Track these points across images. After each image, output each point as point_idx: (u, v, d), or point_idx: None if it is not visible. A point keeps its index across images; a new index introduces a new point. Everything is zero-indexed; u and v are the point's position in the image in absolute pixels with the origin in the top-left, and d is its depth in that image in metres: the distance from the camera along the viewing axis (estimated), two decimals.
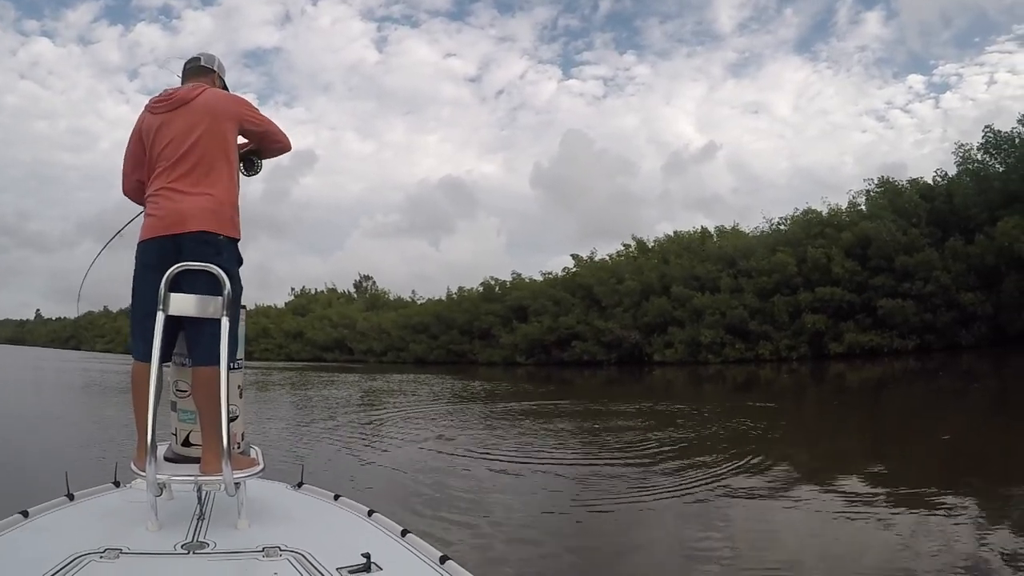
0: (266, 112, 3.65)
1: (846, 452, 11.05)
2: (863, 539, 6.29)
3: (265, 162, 3.86)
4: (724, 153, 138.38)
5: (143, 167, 3.37)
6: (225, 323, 3.00)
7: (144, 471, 2.85)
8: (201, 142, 3.28)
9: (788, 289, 34.66)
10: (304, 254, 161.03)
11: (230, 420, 2.93)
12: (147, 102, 3.45)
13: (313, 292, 79.39)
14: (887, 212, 33.70)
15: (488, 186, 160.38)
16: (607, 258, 46.76)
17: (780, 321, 34.25)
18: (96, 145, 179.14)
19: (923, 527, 6.45)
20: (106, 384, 27.83)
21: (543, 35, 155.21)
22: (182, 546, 2.67)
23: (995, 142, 32.88)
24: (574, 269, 46.72)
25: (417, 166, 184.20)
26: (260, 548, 2.61)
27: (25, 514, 2.97)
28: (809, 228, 36.33)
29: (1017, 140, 31.93)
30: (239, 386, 3.35)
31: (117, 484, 3.62)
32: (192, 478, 3.02)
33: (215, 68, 3.67)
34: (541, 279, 48.59)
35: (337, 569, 2.41)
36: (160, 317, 2.95)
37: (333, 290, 79.08)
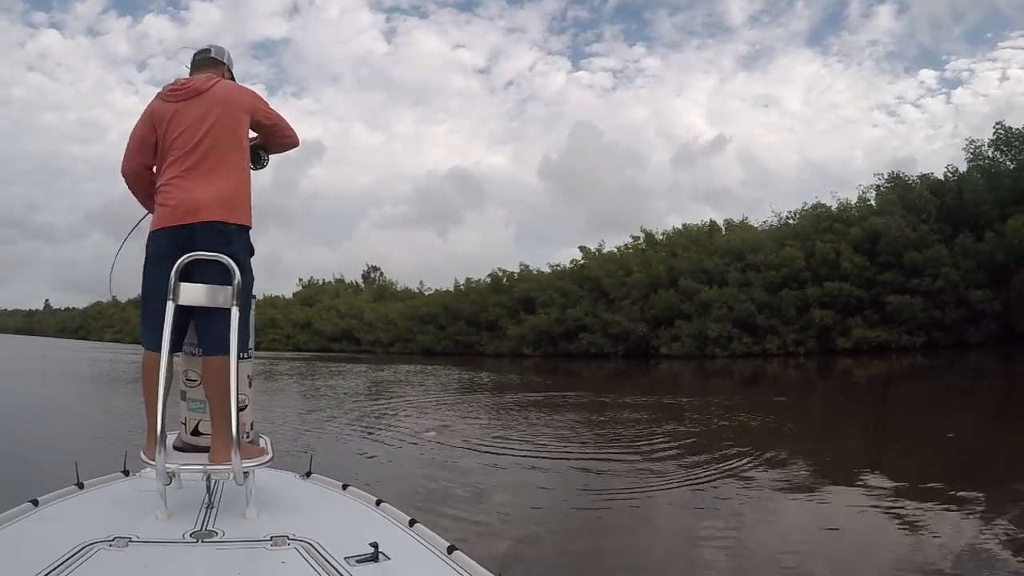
0: (275, 103, 3.67)
1: (852, 448, 11.04)
2: (868, 536, 6.29)
3: (272, 156, 3.88)
4: (734, 146, 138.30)
5: (149, 152, 3.37)
6: (235, 313, 3.02)
7: (154, 460, 2.87)
8: (214, 132, 3.29)
9: (796, 283, 34.60)
10: (312, 245, 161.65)
11: (239, 409, 2.95)
12: (160, 90, 3.45)
13: (321, 283, 79.52)
14: (897, 207, 33.62)
15: (496, 177, 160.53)
16: (615, 250, 46.64)
17: (788, 316, 34.18)
18: (105, 137, 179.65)
19: (929, 524, 6.43)
20: (115, 374, 27.94)
21: (552, 26, 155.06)
22: (191, 535, 2.68)
23: (1006, 139, 32.78)
24: (582, 261, 46.61)
25: (426, 157, 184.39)
26: (268, 537, 2.62)
27: (35, 503, 2.99)
28: (818, 222, 36.26)
29: None
30: (249, 376, 3.36)
31: (126, 473, 3.64)
32: (201, 467, 3.04)
33: (225, 60, 3.69)
34: (549, 271, 48.54)
35: (345, 558, 2.42)
36: (170, 307, 2.96)
37: (341, 281, 79.22)
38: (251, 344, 3.37)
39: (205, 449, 3.16)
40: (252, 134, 3.58)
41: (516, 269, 50.91)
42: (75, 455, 4.03)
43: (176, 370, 3.22)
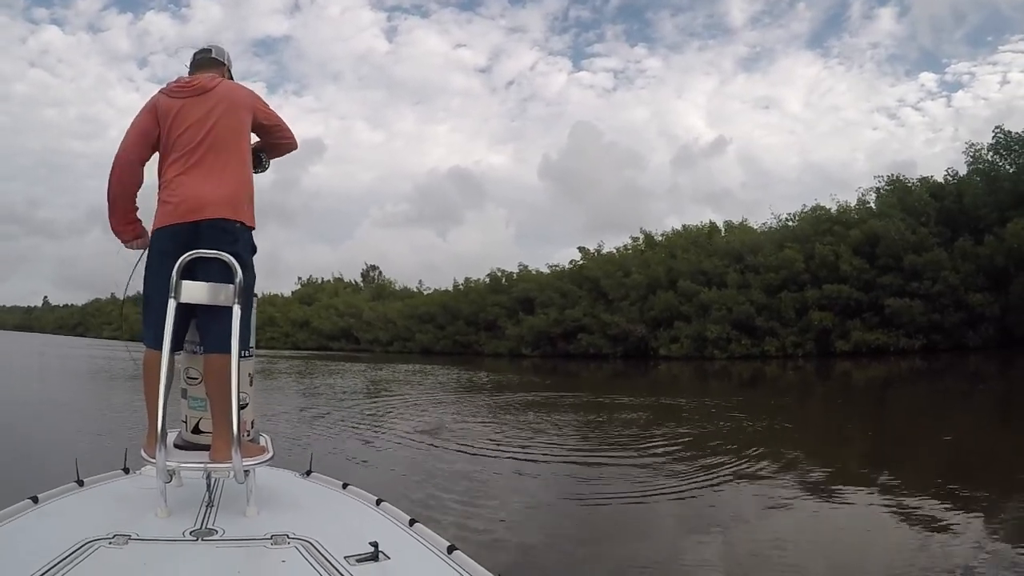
0: (276, 101, 3.69)
1: (851, 451, 11.04)
2: (866, 537, 6.30)
3: (272, 159, 3.90)
4: (734, 148, 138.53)
5: (149, 146, 3.36)
6: (237, 311, 3.03)
7: (154, 458, 2.87)
8: (219, 129, 3.31)
9: (795, 286, 34.60)
10: (313, 243, 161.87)
11: (240, 408, 2.95)
12: (163, 87, 3.45)
13: (320, 281, 79.58)
14: (896, 210, 33.62)
15: (497, 177, 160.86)
16: (614, 251, 46.68)
17: (787, 318, 34.19)
18: (106, 133, 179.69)
19: (926, 528, 6.44)
20: (113, 371, 27.93)
21: (554, 26, 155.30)
22: (191, 532, 2.69)
23: (1005, 143, 32.76)
24: (581, 262, 46.65)
25: (426, 156, 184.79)
26: (268, 535, 2.63)
27: (35, 500, 3.00)
28: (818, 225, 36.27)
29: None
30: (250, 374, 3.37)
31: (127, 471, 3.65)
32: (202, 465, 3.05)
33: (225, 61, 3.71)
34: (548, 271, 48.60)
35: (345, 557, 2.43)
36: (172, 304, 2.97)
37: (340, 279, 79.30)
38: (252, 342, 3.38)
39: (206, 447, 3.17)
40: (253, 138, 3.59)
41: (515, 269, 51.06)
42: (75, 452, 4.04)
43: (177, 368, 3.22)
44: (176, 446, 3.24)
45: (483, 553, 3.28)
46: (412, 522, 2.92)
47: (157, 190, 3.33)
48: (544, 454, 10.17)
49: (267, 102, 3.64)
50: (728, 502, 7.58)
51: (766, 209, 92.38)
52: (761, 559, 5.74)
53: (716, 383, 25.24)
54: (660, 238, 45.34)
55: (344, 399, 18.43)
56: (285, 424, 13.10)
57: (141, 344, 3.23)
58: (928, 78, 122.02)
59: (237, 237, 3.23)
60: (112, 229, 3.46)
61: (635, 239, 46.41)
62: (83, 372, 29.74)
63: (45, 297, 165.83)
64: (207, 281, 3.06)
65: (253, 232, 3.39)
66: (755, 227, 42.26)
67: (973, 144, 34.15)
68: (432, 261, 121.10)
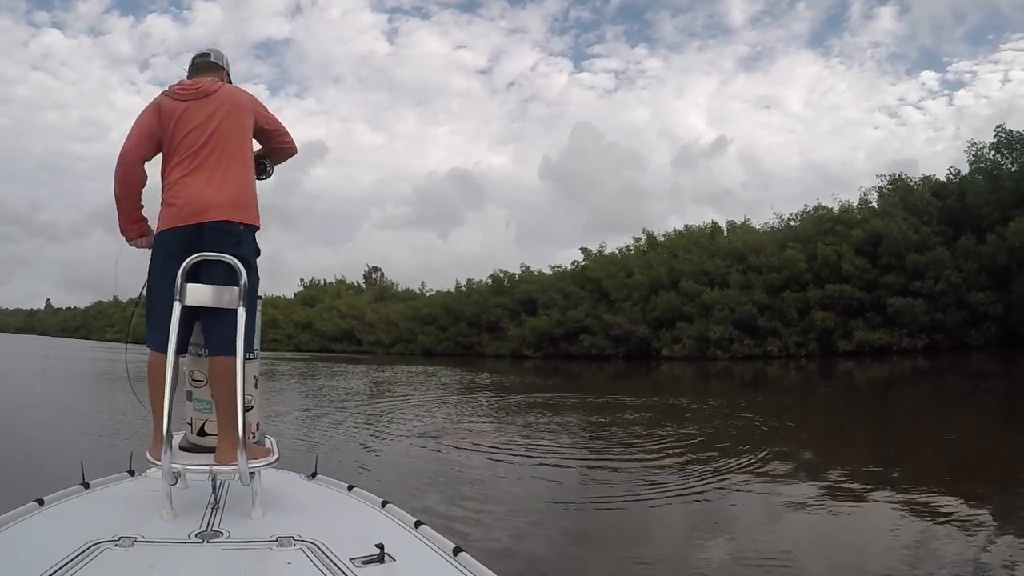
0: (277, 103, 3.73)
1: (853, 451, 11.03)
2: (868, 538, 6.29)
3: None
4: (735, 147, 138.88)
5: (153, 146, 3.36)
6: (242, 313, 3.03)
7: (159, 460, 2.88)
8: (222, 131, 3.32)
9: (798, 285, 34.55)
10: (314, 245, 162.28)
11: (246, 410, 2.96)
12: (165, 89, 3.46)
13: (322, 283, 79.67)
14: (898, 209, 33.58)
15: (497, 178, 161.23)
16: (616, 252, 46.66)
17: (789, 318, 34.14)
18: (107, 136, 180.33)
19: (928, 527, 6.45)
20: (116, 374, 27.90)
21: (554, 27, 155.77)
22: (196, 535, 2.70)
23: (1007, 142, 32.74)
24: (583, 262, 46.63)
25: (427, 158, 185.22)
26: (274, 538, 2.63)
27: (41, 502, 3.00)
28: (820, 224, 36.23)
29: None
30: (255, 376, 3.37)
31: (132, 473, 3.66)
32: (207, 467, 3.05)
33: (224, 65, 3.71)
34: (550, 272, 48.56)
35: (351, 559, 2.43)
36: (177, 307, 2.97)
37: (342, 281, 79.35)
38: (257, 344, 3.38)
39: (211, 449, 3.17)
40: (254, 143, 3.60)
41: (517, 270, 50.99)
42: (80, 455, 4.04)
43: (182, 370, 3.23)
44: (181, 448, 3.25)
45: (488, 555, 3.29)
46: (418, 524, 2.92)
47: (160, 193, 3.34)
48: (548, 455, 10.16)
49: (268, 105, 3.66)
50: (732, 503, 7.57)
51: (767, 209, 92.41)
52: (765, 559, 5.73)
53: (718, 383, 25.22)
54: (662, 238, 45.36)
55: (348, 401, 18.42)
56: (290, 426, 13.10)
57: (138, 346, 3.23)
58: (929, 77, 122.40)
59: (241, 239, 3.25)
60: (120, 228, 3.47)
61: (637, 239, 46.45)
62: (87, 374, 29.74)
63: (48, 299, 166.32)
64: (211, 283, 3.07)
65: (256, 234, 3.40)
66: (757, 227, 42.34)
67: (975, 143, 34.19)
68: (433, 263, 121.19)
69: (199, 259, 3.02)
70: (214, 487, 3.14)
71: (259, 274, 3.37)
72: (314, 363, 39.17)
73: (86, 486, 3.35)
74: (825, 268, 33.85)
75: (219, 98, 3.39)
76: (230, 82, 3.73)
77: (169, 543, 2.61)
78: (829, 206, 37.95)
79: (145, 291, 3.34)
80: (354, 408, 16.50)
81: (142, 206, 3.45)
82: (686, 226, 45.83)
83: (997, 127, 33.13)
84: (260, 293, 3.42)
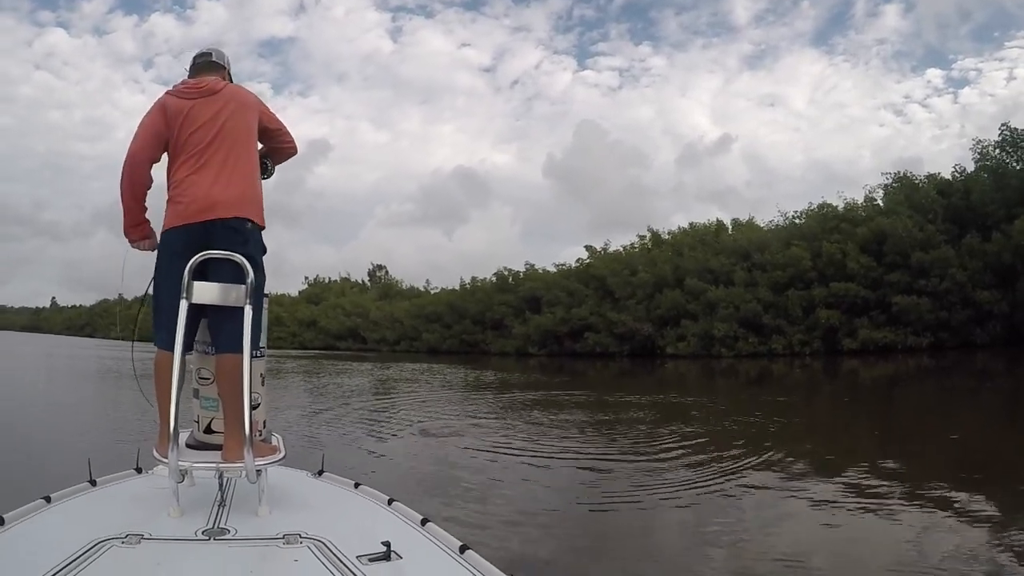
0: (281, 101, 3.76)
1: (858, 449, 11.00)
2: (873, 537, 6.28)
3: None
4: (739, 145, 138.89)
5: (160, 146, 3.36)
6: (248, 311, 3.04)
7: (166, 458, 2.89)
8: (229, 130, 3.33)
9: (802, 284, 34.54)
10: (318, 243, 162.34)
11: (252, 408, 2.97)
12: (170, 88, 3.47)
13: (327, 281, 79.67)
14: (904, 207, 33.52)
15: (501, 176, 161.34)
16: (621, 250, 46.67)
17: (794, 316, 34.12)
18: (111, 135, 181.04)
19: (933, 526, 6.42)
20: (122, 372, 27.95)
21: (558, 25, 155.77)
22: (203, 532, 2.70)
23: (1012, 140, 32.69)
24: (588, 260, 46.63)
25: (431, 156, 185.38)
26: (280, 535, 2.64)
27: (48, 499, 3.01)
28: (824, 222, 36.18)
29: None
30: (261, 374, 3.38)
31: (139, 470, 3.66)
32: (214, 465, 3.05)
33: (225, 64, 3.72)
34: (554, 270, 48.59)
35: (357, 557, 2.44)
36: (183, 305, 2.98)
37: (347, 279, 79.33)
38: (263, 342, 3.39)
39: (218, 447, 3.18)
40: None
41: (521, 268, 51.07)
42: (87, 452, 4.05)
43: (189, 368, 3.23)
44: (188, 446, 3.26)
45: (494, 553, 3.29)
46: (424, 521, 2.92)
47: (166, 191, 3.34)
48: (553, 453, 10.16)
49: (272, 103, 3.67)
50: (737, 501, 7.55)
51: (771, 207, 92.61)
52: (769, 557, 5.73)
53: (723, 381, 25.21)
54: (667, 236, 45.38)
55: (353, 398, 18.45)
56: (296, 423, 13.11)
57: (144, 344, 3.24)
58: (934, 74, 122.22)
59: (248, 237, 3.25)
60: (124, 230, 3.46)
61: (642, 237, 46.52)
62: (93, 373, 29.79)
63: (53, 298, 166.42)
64: (218, 281, 3.08)
65: (263, 232, 3.41)
66: (762, 225, 42.38)
67: (980, 141, 34.18)
68: (438, 260, 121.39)
69: (206, 257, 3.02)
70: (221, 484, 3.14)
71: (265, 272, 3.38)
72: (319, 361, 39.23)
73: (93, 483, 3.36)
74: (830, 266, 33.81)
75: (225, 96, 3.40)
76: (231, 81, 3.73)
77: (176, 540, 2.61)
78: (834, 204, 37.97)
79: (151, 289, 3.35)
80: (359, 406, 16.52)
81: (146, 208, 3.46)
82: (691, 224, 45.94)
83: (1002, 125, 33.19)
84: (266, 291, 3.42)
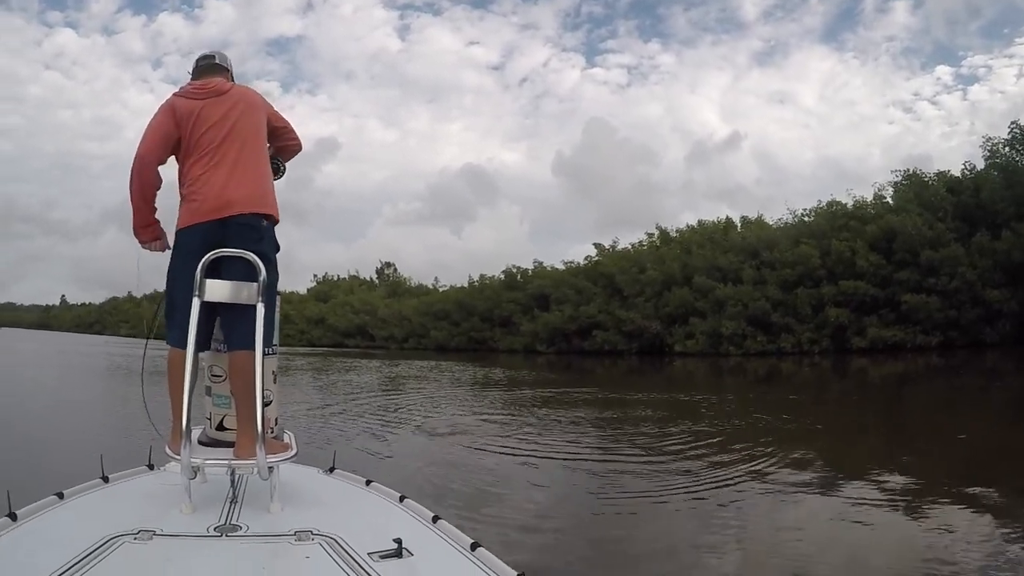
0: (289, 100, 3.79)
1: (866, 449, 11.00)
2: (878, 535, 6.27)
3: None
4: (748, 143, 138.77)
5: (170, 148, 3.38)
6: (260, 309, 3.05)
7: (179, 454, 2.90)
8: (240, 128, 3.36)
9: (811, 282, 34.38)
10: (327, 241, 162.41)
11: (264, 405, 2.98)
12: (177, 89, 3.50)
13: (335, 279, 79.71)
14: (913, 205, 33.32)
15: (510, 174, 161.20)
16: (629, 247, 46.57)
17: (803, 314, 33.99)
18: (120, 134, 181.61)
19: (939, 526, 6.40)
20: (132, 369, 28.03)
21: (566, 23, 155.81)
22: (215, 528, 2.71)
23: (1022, 138, 32.54)
24: (596, 258, 46.51)
25: (440, 154, 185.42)
26: (292, 532, 2.65)
27: (60, 495, 3.03)
28: (834, 220, 36.00)
29: None
30: (273, 372, 3.40)
31: (151, 467, 3.68)
32: (226, 462, 3.07)
33: (228, 67, 3.75)
34: (563, 268, 48.54)
35: (369, 554, 2.44)
36: (196, 303, 2.99)
37: (355, 277, 79.34)
38: (276, 340, 3.40)
39: (230, 444, 3.19)
40: None
41: (530, 266, 51.05)
42: (98, 449, 4.07)
43: (201, 366, 3.25)
44: (200, 443, 3.27)
45: (505, 550, 3.29)
46: (435, 519, 2.93)
47: (179, 191, 3.36)
48: (563, 451, 10.16)
49: (280, 102, 3.70)
50: (746, 500, 7.54)
51: (781, 205, 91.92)
52: (777, 557, 5.73)
53: (732, 380, 25.16)
54: (675, 234, 45.25)
55: (363, 396, 18.48)
56: (306, 420, 13.14)
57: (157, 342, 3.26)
58: (944, 71, 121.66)
59: (263, 235, 3.29)
60: (133, 231, 3.48)
61: (650, 235, 46.32)
62: (104, 370, 29.87)
63: (63, 295, 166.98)
64: (232, 279, 3.10)
65: (276, 228, 3.44)
66: (771, 223, 42.09)
67: (990, 138, 33.97)
68: (446, 259, 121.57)
69: (218, 255, 3.04)
70: (233, 481, 3.16)
71: (278, 270, 3.40)
72: (328, 358, 39.25)
73: (106, 480, 3.38)
74: (839, 264, 33.67)
75: (234, 97, 3.44)
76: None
77: (188, 537, 2.62)
78: (843, 202, 37.74)
79: (139, 286, 3.37)
80: (369, 403, 16.55)
81: (156, 209, 3.48)
82: (699, 222, 45.68)
83: (1012, 123, 33.00)
84: (278, 288, 3.44)
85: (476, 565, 2.48)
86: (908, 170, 36.76)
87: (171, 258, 3.35)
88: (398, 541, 2.49)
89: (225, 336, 3.28)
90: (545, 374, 27.75)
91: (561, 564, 5.67)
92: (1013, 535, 6.01)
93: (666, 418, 13.57)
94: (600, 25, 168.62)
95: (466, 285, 55.73)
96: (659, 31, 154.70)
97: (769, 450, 9.77)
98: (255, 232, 3.24)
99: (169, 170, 3.41)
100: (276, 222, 3.43)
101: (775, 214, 45.61)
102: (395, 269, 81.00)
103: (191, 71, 3.69)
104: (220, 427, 3.32)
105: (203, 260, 3.00)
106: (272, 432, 3.31)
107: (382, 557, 2.43)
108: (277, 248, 3.42)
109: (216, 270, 3.07)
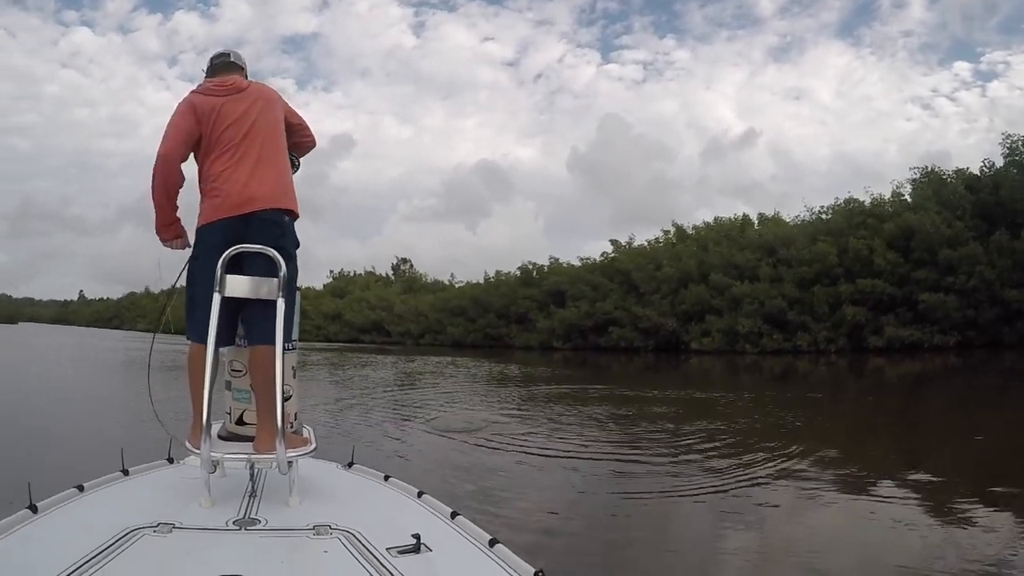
0: (305, 97, 3.85)
1: (882, 448, 10.94)
2: (894, 535, 6.23)
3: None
4: (764, 139, 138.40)
5: (191, 145, 3.40)
6: (281, 304, 3.06)
7: (199, 448, 2.92)
8: (260, 126, 3.40)
9: (828, 280, 34.24)
10: (343, 237, 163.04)
11: (284, 400, 3.00)
12: (195, 87, 3.53)
13: (351, 275, 79.96)
14: (931, 203, 33.06)
15: (525, 170, 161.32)
16: (645, 244, 46.61)
17: (819, 312, 33.85)
18: (137, 132, 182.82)
19: (955, 526, 6.38)
20: (152, 364, 28.18)
21: (581, 18, 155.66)
22: (234, 522, 2.73)
23: None
24: (612, 254, 46.56)
25: (455, 150, 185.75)
26: (311, 526, 2.66)
27: (81, 488, 3.05)
28: (851, 218, 35.80)
29: None
30: (293, 367, 3.42)
31: (171, 461, 3.71)
32: (245, 456, 3.08)
33: (243, 65, 3.77)
34: (579, 264, 48.54)
35: (387, 549, 2.45)
36: (216, 298, 3.02)
37: (371, 273, 79.61)
38: (295, 335, 3.42)
39: (249, 438, 3.22)
40: None
41: (545, 262, 51.16)
42: (118, 442, 4.10)
43: (222, 361, 3.27)
44: (220, 437, 3.30)
45: (522, 547, 3.30)
46: (454, 515, 2.94)
47: (199, 187, 3.39)
48: (579, 448, 10.16)
49: (295, 99, 3.73)
50: (762, 499, 7.52)
51: (796, 201, 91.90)
52: (793, 555, 5.72)
53: (748, 378, 25.09)
54: (691, 231, 45.17)
55: (380, 391, 18.51)
56: (324, 415, 13.16)
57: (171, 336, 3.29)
58: (962, 67, 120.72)
59: (284, 230, 3.32)
60: (156, 229, 3.51)
61: (666, 232, 46.34)
62: (122, 364, 30.05)
63: (81, 291, 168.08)
64: (253, 275, 3.12)
65: (296, 224, 3.46)
66: (787, 220, 41.93)
67: (1009, 135, 33.52)
68: (461, 255, 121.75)
69: (239, 251, 3.07)
70: (252, 475, 3.18)
71: (298, 266, 3.42)
72: (344, 353, 39.35)
73: (126, 473, 3.41)
74: (856, 262, 33.52)
75: (252, 94, 3.48)
76: None
77: (207, 530, 2.64)
78: (861, 199, 37.49)
79: (183, 281, 3.40)
80: (387, 398, 16.60)
81: (178, 207, 3.51)
82: (715, 219, 45.66)
83: None
84: (297, 284, 3.46)
85: (494, 561, 2.48)
86: (926, 167, 36.43)
87: (192, 254, 3.38)
88: (416, 536, 2.50)
89: (245, 331, 3.31)
90: (561, 370, 27.74)
91: (577, 562, 5.67)
92: None
93: (683, 416, 13.55)
94: (615, 21, 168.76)
95: (482, 281, 55.90)
96: (674, 27, 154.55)
97: (787, 449, 9.74)
98: (277, 228, 3.27)
99: (187, 167, 3.43)
100: (296, 217, 3.46)
101: (792, 211, 45.61)
102: (411, 265, 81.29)
103: (205, 69, 3.71)
104: (240, 422, 3.35)
105: (224, 255, 3.03)
106: (291, 427, 3.33)
107: (400, 552, 2.44)
108: (297, 244, 3.44)
109: (237, 266, 3.10)
